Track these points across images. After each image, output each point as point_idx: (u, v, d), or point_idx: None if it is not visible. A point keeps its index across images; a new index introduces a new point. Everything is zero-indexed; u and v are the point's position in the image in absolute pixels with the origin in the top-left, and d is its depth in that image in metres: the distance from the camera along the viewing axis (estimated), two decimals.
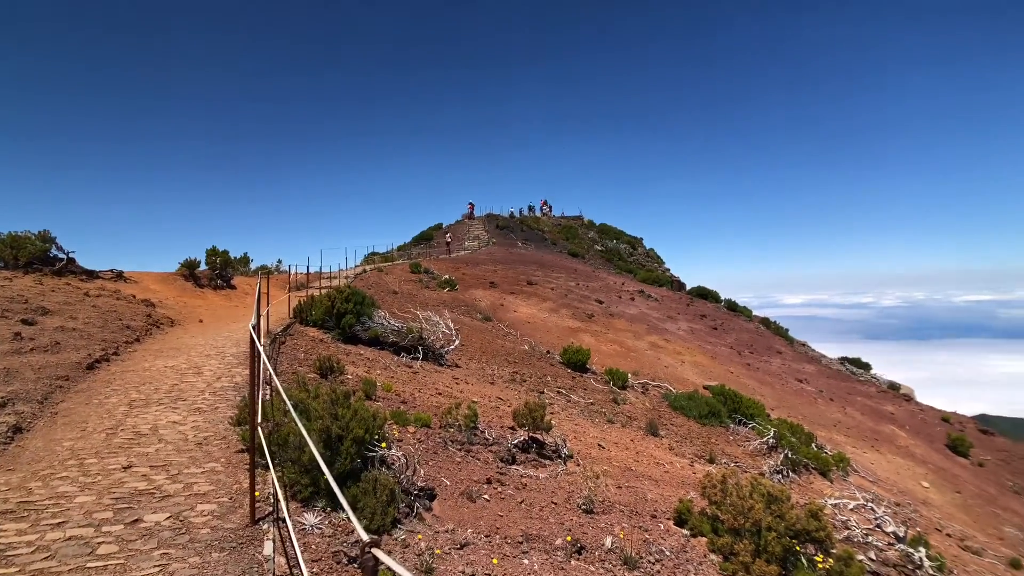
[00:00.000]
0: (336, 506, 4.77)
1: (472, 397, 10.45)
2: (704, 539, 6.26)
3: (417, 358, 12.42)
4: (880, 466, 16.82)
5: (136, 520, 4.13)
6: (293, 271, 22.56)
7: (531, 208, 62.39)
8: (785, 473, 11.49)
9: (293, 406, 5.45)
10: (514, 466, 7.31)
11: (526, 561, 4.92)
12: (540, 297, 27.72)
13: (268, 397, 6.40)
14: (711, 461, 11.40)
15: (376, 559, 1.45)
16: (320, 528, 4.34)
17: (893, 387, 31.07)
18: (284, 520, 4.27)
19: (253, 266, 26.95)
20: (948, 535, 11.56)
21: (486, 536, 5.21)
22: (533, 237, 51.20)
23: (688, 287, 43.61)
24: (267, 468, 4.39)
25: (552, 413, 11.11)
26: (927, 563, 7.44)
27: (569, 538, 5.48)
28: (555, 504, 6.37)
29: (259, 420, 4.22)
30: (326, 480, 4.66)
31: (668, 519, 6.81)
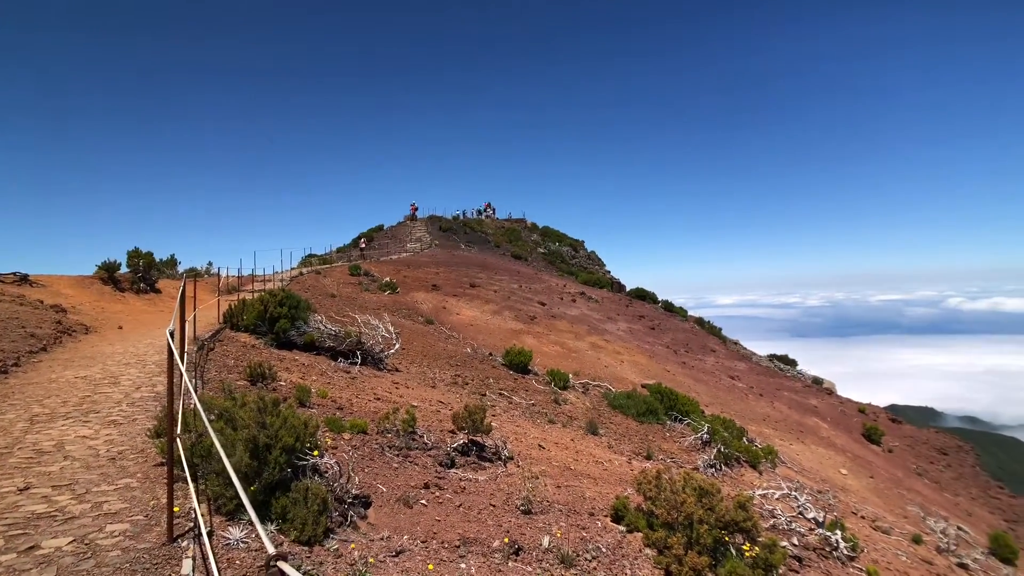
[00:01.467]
0: (265, 518, 4.57)
1: (412, 401, 10.30)
2: (640, 534, 6.39)
3: (355, 363, 12.14)
4: (805, 456, 17.73)
5: (32, 547, 3.77)
6: (224, 274, 21.60)
7: (482, 211, 62.38)
8: (718, 467, 11.93)
9: (218, 415, 5.20)
10: (453, 470, 7.25)
11: (463, 565, 4.87)
12: (483, 299, 27.70)
13: (194, 406, 6.07)
14: (648, 458, 11.69)
15: (282, 573, 1.38)
16: (246, 542, 4.14)
17: (817, 382, 32.89)
18: (210, 535, 4.06)
19: (181, 269, 25.61)
20: (862, 517, 12.29)
21: (422, 542, 5.12)
22: (476, 239, 51.15)
23: (627, 289, 44.67)
24: (190, 481, 4.15)
25: (493, 415, 11.10)
26: (843, 544, 7.88)
27: (507, 540, 5.47)
28: (494, 506, 6.35)
29: (178, 431, 3.98)
30: (252, 492, 4.47)
31: (606, 516, 6.92)
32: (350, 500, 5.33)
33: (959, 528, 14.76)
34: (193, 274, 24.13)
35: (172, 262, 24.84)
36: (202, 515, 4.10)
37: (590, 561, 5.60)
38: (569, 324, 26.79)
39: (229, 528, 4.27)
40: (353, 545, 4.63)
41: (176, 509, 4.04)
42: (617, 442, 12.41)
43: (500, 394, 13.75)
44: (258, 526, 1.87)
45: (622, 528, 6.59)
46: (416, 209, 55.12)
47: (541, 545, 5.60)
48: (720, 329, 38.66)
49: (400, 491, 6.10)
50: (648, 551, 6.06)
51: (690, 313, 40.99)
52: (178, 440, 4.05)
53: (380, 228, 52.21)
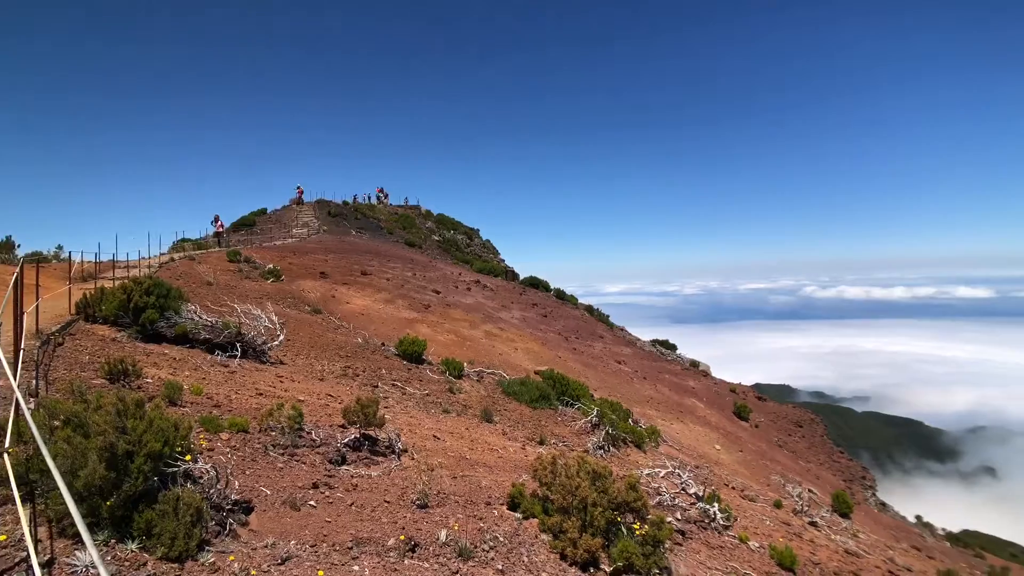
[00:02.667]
0: (124, 536, 4.06)
1: (298, 396, 9.73)
2: (536, 520, 6.48)
3: (235, 356, 11.24)
4: (684, 435, 19.07)
5: None
6: (79, 259, 19.05)
7: (375, 196, 60.31)
8: (606, 448, 12.47)
9: (65, 421, 4.53)
10: (344, 467, 6.92)
11: (356, 567, 4.65)
12: (375, 288, 26.88)
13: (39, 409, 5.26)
14: (541, 443, 11.96)
15: None
16: (96, 568, 3.64)
17: (694, 365, 35.49)
18: (50, 563, 3.52)
19: (21, 252, 22.33)
20: (733, 488, 13.43)
21: (312, 546, 4.83)
22: (368, 226, 49.52)
23: (521, 277, 45.44)
24: (18, 502, 3.56)
25: (386, 407, 10.79)
26: (719, 515, 8.54)
27: (403, 537, 5.30)
28: (388, 502, 6.14)
29: (7, 444, 3.39)
30: (109, 507, 3.95)
31: (502, 504, 6.94)
32: (229, 507, 4.89)
33: (810, 491, 16.62)
34: (37, 258, 21.12)
35: (8, 244, 21.64)
36: (40, 541, 3.54)
37: (488, 551, 5.59)
38: (464, 312, 26.74)
39: (76, 553, 3.73)
40: (232, 557, 4.25)
41: (2, 537, 3.45)
42: (512, 429, 12.56)
43: (393, 385, 13.41)
44: (90, 548, 1.59)
45: (518, 515, 6.65)
46: (302, 192, 52.26)
47: (438, 539, 5.50)
48: (608, 316, 40.49)
49: (286, 493, 5.71)
50: (544, 536, 6.16)
51: (580, 301, 42.53)
52: (5, 456, 3.45)
53: (263, 212, 48.94)
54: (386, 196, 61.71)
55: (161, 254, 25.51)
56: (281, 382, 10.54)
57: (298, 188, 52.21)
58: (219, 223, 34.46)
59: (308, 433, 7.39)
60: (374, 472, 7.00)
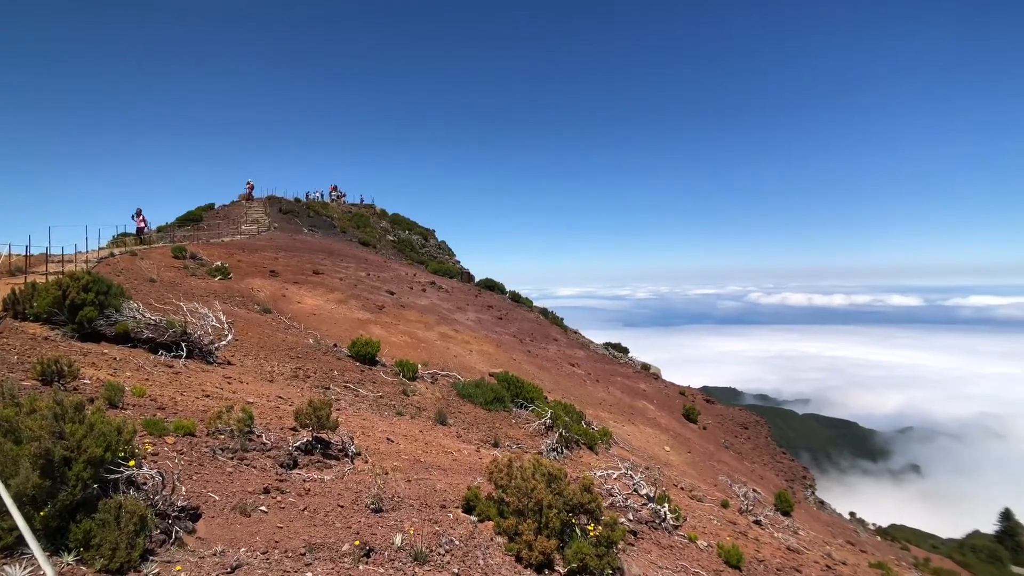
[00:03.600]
0: (59, 548, 3.85)
1: (248, 398, 9.44)
2: (491, 523, 6.49)
3: (180, 356, 10.81)
4: (635, 436, 19.46)
5: None
6: (6, 252, 17.90)
7: (328, 194, 59.06)
8: (560, 450, 12.60)
9: None
10: (296, 471, 6.76)
11: (310, 574, 4.55)
12: (327, 287, 26.33)
13: None
14: (496, 445, 11.98)
15: None
16: None
17: (645, 367, 36.25)
18: None
19: None
20: (682, 489, 13.81)
21: (263, 553, 4.70)
22: (321, 224, 48.47)
23: (477, 279, 45.40)
24: None
25: (339, 410, 10.60)
26: (669, 516, 8.76)
27: (358, 542, 5.22)
28: (342, 507, 6.03)
29: None
30: (43, 518, 3.75)
31: (457, 507, 6.93)
32: (176, 514, 4.71)
33: (755, 491, 17.23)
34: None
35: None
36: None
37: (443, 555, 5.56)
38: (419, 314, 26.52)
39: (5, 567, 3.52)
40: (179, 567, 4.10)
41: None
42: (466, 431, 12.54)
43: (346, 387, 13.18)
44: (43, 564, 1.52)
45: (474, 518, 6.65)
46: (252, 188, 50.69)
47: (394, 544, 5.44)
48: (562, 319, 40.92)
49: (236, 498, 5.54)
50: (499, 539, 6.18)
51: (535, 304, 42.83)
52: None
53: (210, 207, 47.19)
54: (340, 194, 60.60)
55: (100, 249, 24.24)
56: (229, 383, 10.20)
57: (248, 183, 50.64)
58: (141, 217, 29.69)
59: (258, 436, 7.18)
60: (327, 476, 6.86)
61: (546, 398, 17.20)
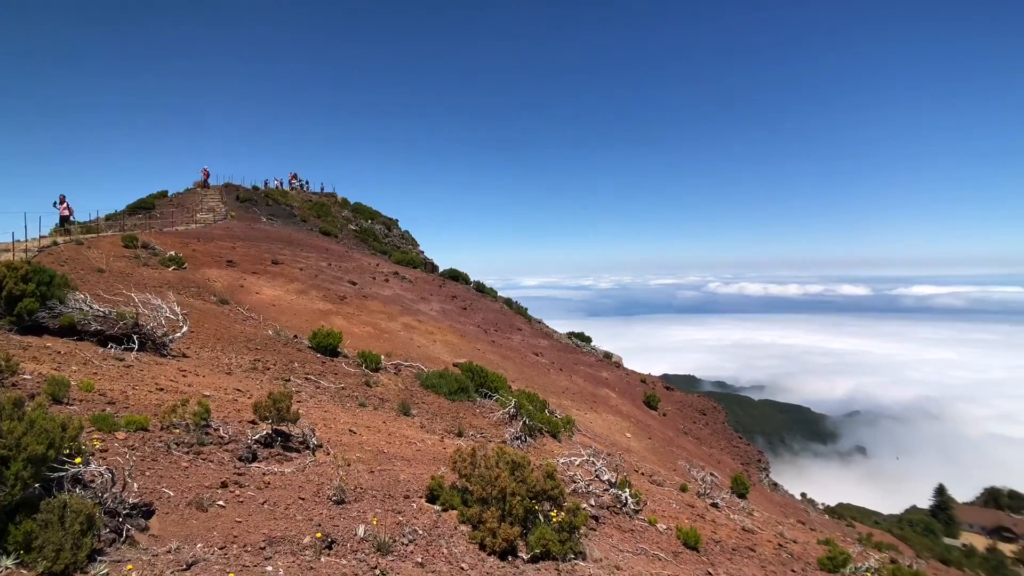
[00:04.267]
0: (1, 551, 3.68)
1: (204, 391, 9.18)
2: (455, 512, 6.50)
3: (132, 349, 10.42)
4: (597, 424, 19.75)
5: None
6: None
7: (290, 183, 57.57)
8: (523, 438, 12.69)
9: None
10: (255, 464, 6.62)
11: (270, 568, 4.47)
12: (287, 278, 25.75)
13: None
14: (460, 435, 11.98)
15: None
16: None
17: (607, 356, 36.77)
18: None
19: None
20: (643, 474, 14.11)
21: (220, 548, 4.59)
22: (281, 213, 47.30)
23: (441, 269, 45.13)
24: None
25: (300, 402, 10.42)
26: (630, 500, 8.94)
27: (319, 534, 5.16)
28: (303, 499, 5.94)
29: None
30: None
31: (421, 497, 6.91)
32: (127, 511, 4.55)
33: (712, 474, 17.74)
34: None
35: None
36: None
37: (407, 545, 5.55)
38: (382, 304, 26.21)
39: None
40: (130, 566, 3.97)
41: None
42: (430, 421, 12.50)
43: (307, 378, 12.95)
44: None
45: (437, 508, 6.65)
46: (208, 175, 49.04)
47: (356, 535, 5.39)
48: (526, 309, 41.09)
49: (192, 493, 5.39)
50: (463, 527, 6.20)
51: (499, 294, 42.88)
52: None
53: (163, 195, 45.45)
54: (300, 182, 59.19)
55: (42, 237, 23.06)
56: (184, 376, 9.89)
57: (203, 170, 48.98)
58: (64, 205, 26.41)
59: (216, 430, 7.00)
60: (288, 469, 6.74)
61: (510, 387, 17.28)
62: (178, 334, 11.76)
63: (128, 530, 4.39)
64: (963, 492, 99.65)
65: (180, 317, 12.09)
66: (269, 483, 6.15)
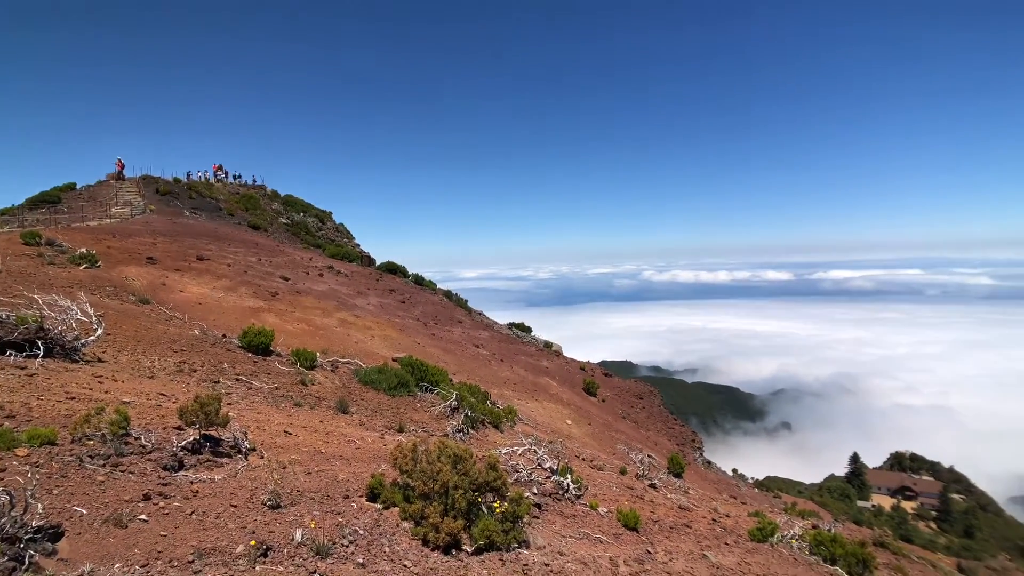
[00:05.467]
0: None
1: (124, 397, 8.59)
2: (397, 509, 6.39)
3: (36, 355, 9.60)
4: (539, 413, 19.97)
5: None
6: None
7: (215, 175, 54.57)
8: (465, 431, 12.65)
9: None
10: (182, 472, 6.26)
11: None
12: (214, 274, 24.50)
13: None
14: (401, 430, 11.81)
15: None
16: None
17: (547, 345, 37.21)
18: None
19: None
20: (584, 459, 14.38)
21: (143, 566, 4.31)
22: (206, 206, 44.88)
23: (378, 263, 44.24)
24: None
25: (230, 404, 9.96)
26: (572, 487, 9.09)
27: (253, 542, 4.93)
28: (235, 507, 5.67)
29: None
30: None
31: (361, 496, 6.76)
32: (29, 535, 4.18)
33: (650, 456, 18.32)
34: None
35: None
36: None
37: (348, 546, 5.40)
38: (316, 300, 25.42)
39: None
40: None
41: None
42: (369, 418, 12.25)
43: (237, 380, 12.38)
44: None
45: (379, 506, 6.52)
46: (123, 167, 45.81)
47: (293, 540, 5.20)
48: (466, 301, 40.96)
49: (109, 509, 5.03)
50: (406, 524, 6.11)
51: (439, 286, 42.50)
52: None
53: (71, 187, 42.06)
54: (226, 174, 56.33)
55: None
56: (100, 383, 9.22)
57: (118, 161, 45.67)
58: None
59: (136, 439, 6.56)
60: (218, 475, 6.42)
61: (451, 380, 17.17)
62: (92, 337, 10.94)
63: (31, 556, 4.04)
64: (874, 458, 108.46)
65: (94, 319, 11.25)
66: (198, 492, 5.83)
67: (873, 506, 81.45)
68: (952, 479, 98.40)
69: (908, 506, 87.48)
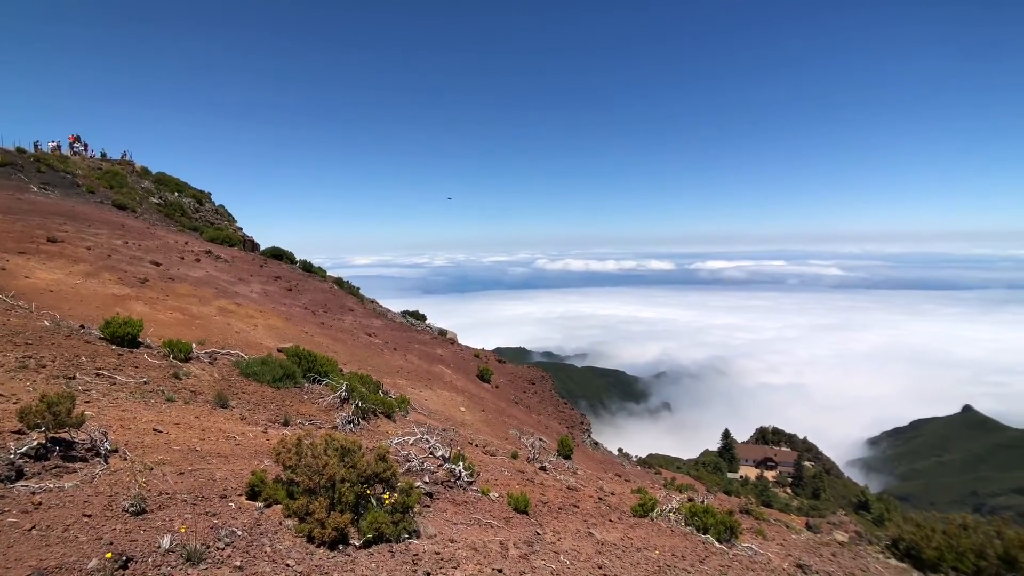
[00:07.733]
0: None
1: None
2: (279, 507, 6.13)
3: None
4: (433, 401, 19.90)
5: None
6: None
7: (71, 147, 48.16)
8: (356, 422, 12.34)
9: None
10: (21, 483, 5.56)
11: None
12: (70, 258, 21.84)
13: None
14: (286, 424, 11.28)
15: None
16: None
17: (442, 333, 37.10)
18: None
19: None
20: (476, 446, 14.56)
21: None
22: (60, 182, 39.74)
23: (262, 248, 41.69)
24: None
25: (88, 402, 9.00)
26: (463, 473, 9.18)
27: (109, 554, 4.51)
28: (89, 516, 5.14)
29: None
30: None
31: (240, 495, 6.39)
32: None
33: (541, 440, 18.91)
34: None
35: None
36: None
37: (223, 549, 5.09)
38: (192, 287, 23.49)
39: None
40: None
41: None
42: (251, 413, 11.58)
43: (98, 375, 11.16)
44: None
45: (259, 504, 6.21)
46: None
47: (160, 547, 4.81)
48: (358, 289, 39.73)
49: None
50: (289, 522, 5.87)
51: (329, 273, 40.85)
52: None
53: None
54: (84, 146, 50.20)
55: None
56: None
57: None
58: None
59: None
60: (68, 483, 5.78)
61: (341, 370, 16.63)
62: None
63: None
64: (743, 433, 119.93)
65: None
66: (41, 503, 5.21)
67: (741, 477, 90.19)
68: (805, 448, 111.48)
69: (770, 475, 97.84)
